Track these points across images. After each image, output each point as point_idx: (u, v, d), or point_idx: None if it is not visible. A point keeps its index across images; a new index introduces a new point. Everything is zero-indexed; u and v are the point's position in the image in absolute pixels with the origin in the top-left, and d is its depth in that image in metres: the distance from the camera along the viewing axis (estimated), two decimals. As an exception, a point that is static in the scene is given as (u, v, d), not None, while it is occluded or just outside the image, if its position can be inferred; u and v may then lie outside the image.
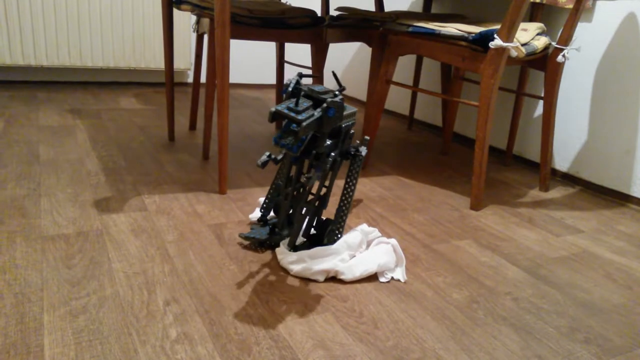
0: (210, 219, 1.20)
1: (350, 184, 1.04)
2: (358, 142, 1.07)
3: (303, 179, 0.91)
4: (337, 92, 0.89)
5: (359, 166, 1.03)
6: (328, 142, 0.94)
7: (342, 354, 0.76)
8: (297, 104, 0.82)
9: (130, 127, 1.96)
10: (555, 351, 0.82)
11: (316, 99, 0.86)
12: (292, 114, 0.81)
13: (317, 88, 0.87)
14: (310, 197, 1.33)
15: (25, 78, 2.62)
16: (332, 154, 0.95)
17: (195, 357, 0.73)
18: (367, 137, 1.05)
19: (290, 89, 0.87)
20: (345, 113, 0.95)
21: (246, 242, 1.09)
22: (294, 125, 0.81)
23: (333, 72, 0.99)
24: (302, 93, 0.87)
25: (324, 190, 1.07)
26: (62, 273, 0.91)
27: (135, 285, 0.89)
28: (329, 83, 3.26)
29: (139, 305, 0.84)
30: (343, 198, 1.05)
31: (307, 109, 0.84)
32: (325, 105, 0.84)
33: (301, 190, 1.03)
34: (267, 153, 0.91)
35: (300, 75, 0.88)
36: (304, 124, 0.80)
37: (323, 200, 1.03)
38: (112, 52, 2.64)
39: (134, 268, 0.95)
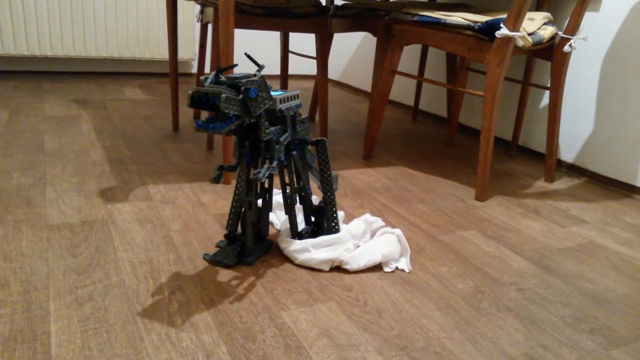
0: (214, 208, 1.20)
1: (324, 171, 1.03)
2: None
3: (252, 176, 0.88)
4: (255, 73, 0.87)
5: (326, 150, 1.02)
6: (272, 129, 0.91)
7: (347, 343, 0.77)
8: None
9: (134, 117, 1.97)
10: (560, 341, 0.82)
11: (236, 85, 0.84)
12: (212, 89, 0.79)
13: (235, 75, 0.85)
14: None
15: (30, 68, 2.63)
16: (281, 139, 0.93)
17: (201, 345, 0.73)
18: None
19: (207, 84, 0.84)
20: (282, 95, 0.93)
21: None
22: (217, 100, 0.79)
23: (246, 54, 0.96)
24: (223, 85, 0.85)
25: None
26: (68, 261, 0.91)
27: (140, 274, 0.89)
28: (333, 74, 3.24)
29: (144, 293, 0.84)
30: (324, 186, 1.04)
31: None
32: (242, 87, 0.82)
33: (267, 196, 1.00)
34: (219, 165, 0.90)
35: (219, 70, 0.85)
36: (224, 95, 0.78)
37: (304, 189, 1.02)
38: (117, 42, 2.64)
39: (139, 257, 0.95)
